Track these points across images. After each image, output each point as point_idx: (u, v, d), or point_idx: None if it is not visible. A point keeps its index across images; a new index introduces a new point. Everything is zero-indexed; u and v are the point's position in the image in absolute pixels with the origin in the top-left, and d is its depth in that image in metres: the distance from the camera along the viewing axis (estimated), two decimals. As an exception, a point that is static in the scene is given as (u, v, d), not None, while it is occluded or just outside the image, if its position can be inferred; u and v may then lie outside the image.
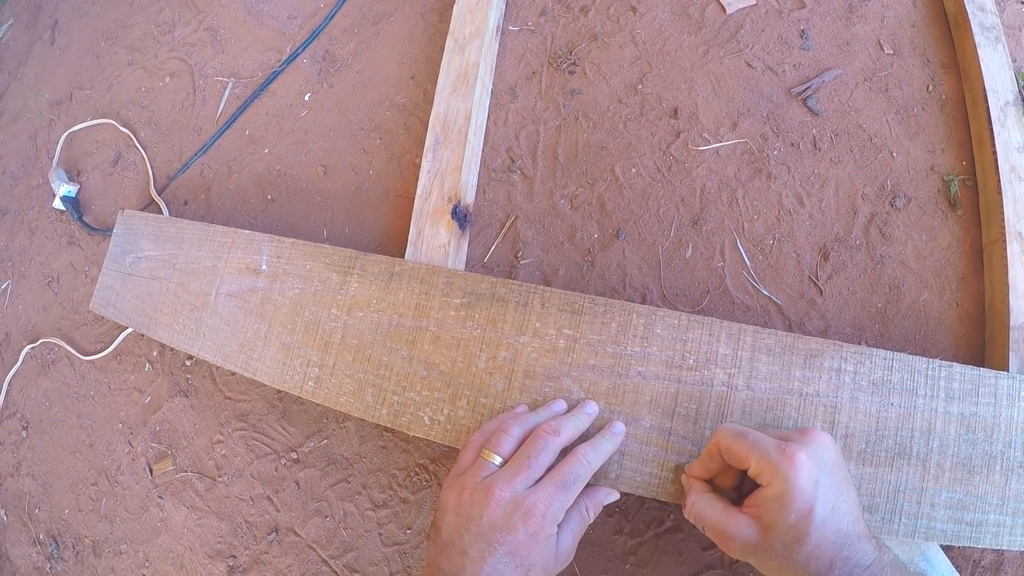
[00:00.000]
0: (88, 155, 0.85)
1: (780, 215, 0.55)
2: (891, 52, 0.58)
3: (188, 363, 0.69)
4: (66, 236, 0.83)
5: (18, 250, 0.86)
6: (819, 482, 0.33)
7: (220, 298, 0.59)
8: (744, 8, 0.62)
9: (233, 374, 0.65)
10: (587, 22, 0.66)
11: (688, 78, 0.61)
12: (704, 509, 0.37)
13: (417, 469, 0.56)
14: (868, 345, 0.48)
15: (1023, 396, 0.41)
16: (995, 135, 0.51)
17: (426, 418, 0.48)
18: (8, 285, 0.85)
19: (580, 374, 0.46)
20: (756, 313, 0.53)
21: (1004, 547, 0.40)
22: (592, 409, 0.44)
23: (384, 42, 0.74)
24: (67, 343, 0.76)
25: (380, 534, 0.56)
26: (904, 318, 0.51)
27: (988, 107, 0.51)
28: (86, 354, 0.74)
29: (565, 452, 0.40)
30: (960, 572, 0.44)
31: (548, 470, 0.39)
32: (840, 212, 0.54)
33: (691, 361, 0.44)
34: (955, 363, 0.42)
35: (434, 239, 0.56)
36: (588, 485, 0.40)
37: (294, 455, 0.61)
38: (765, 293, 0.53)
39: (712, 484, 0.39)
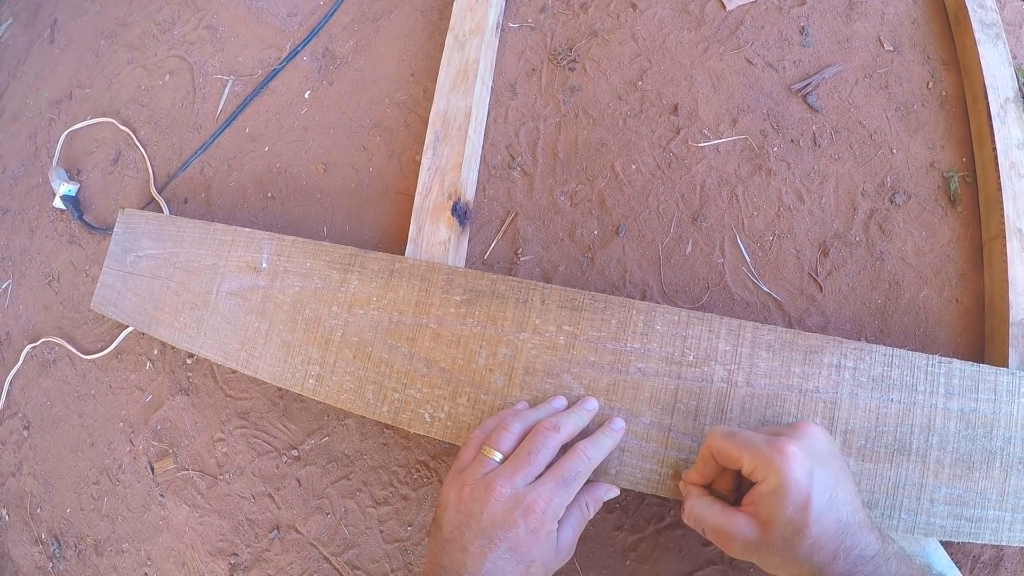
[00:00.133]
0: (88, 154, 0.85)
1: (780, 211, 0.55)
2: (891, 49, 0.58)
3: (189, 361, 0.69)
4: (66, 235, 0.83)
5: (18, 249, 0.86)
6: (813, 473, 0.33)
7: (221, 296, 0.59)
8: (744, 5, 0.62)
9: (234, 372, 0.65)
10: (587, 19, 0.66)
11: (688, 75, 0.61)
12: (702, 511, 0.37)
13: (418, 466, 0.57)
14: (868, 341, 0.48)
15: (1023, 392, 0.41)
16: (995, 132, 0.51)
17: (427, 415, 0.48)
18: (9, 284, 0.85)
19: (580, 370, 0.46)
20: (756, 309, 0.53)
21: (1004, 543, 0.40)
22: (592, 405, 0.44)
23: (384, 39, 0.73)
24: (68, 342, 0.76)
25: (381, 531, 0.56)
26: (904, 314, 0.51)
27: (988, 104, 0.51)
28: (87, 353, 0.74)
29: (565, 449, 0.40)
30: (960, 568, 0.44)
31: (548, 466, 0.39)
32: (840, 208, 0.54)
33: (691, 357, 0.44)
34: (955, 359, 0.42)
35: (434, 236, 0.56)
36: (588, 481, 0.40)
37: (295, 453, 0.61)
38: (765, 289, 0.53)
39: (710, 489, 0.39)
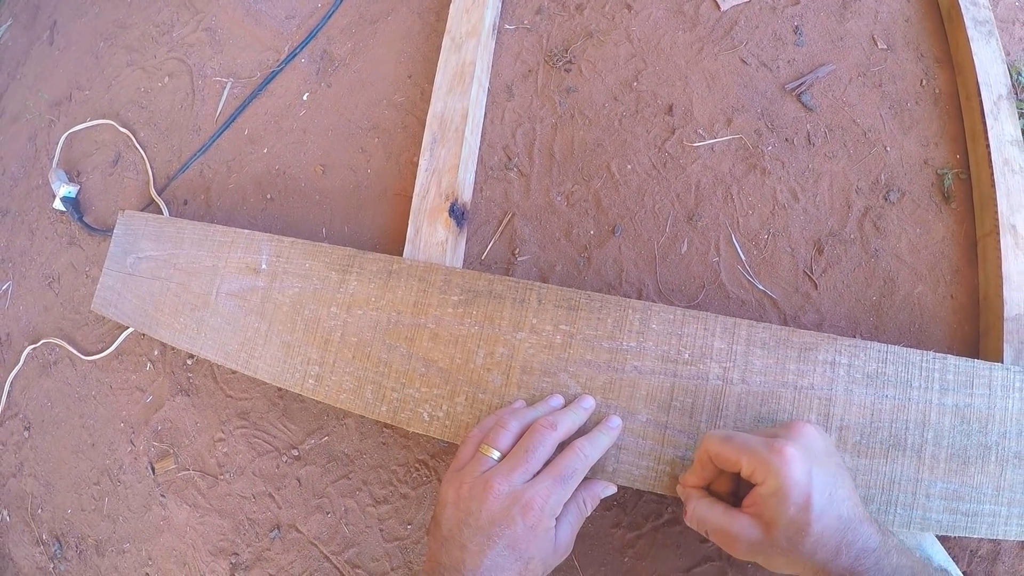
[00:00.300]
0: (88, 156, 0.86)
1: (775, 210, 0.55)
2: (885, 47, 0.59)
3: (189, 362, 0.69)
4: (66, 237, 0.83)
5: (19, 251, 0.87)
6: (812, 472, 0.33)
7: (220, 297, 0.59)
8: (738, 5, 0.62)
9: (234, 372, 0.66)
10: (582, 20, 0.66)
11: (683, 75, 0.61)
12: (705, 513, 0.37)
13: (417, 465, 0.57)
14: (863, 338, 0.48)
15: (1017, 387, 0.42)
16: (988, 128, 0.51)
17: (425, 414, 0.49)
18: (9, 286, 0.86)
19: (577, 369, 0.46)
20: (751, 307, 0.53)
21: (1000, 537, 0.40)
22: (589, 404, 0.44)
23: (381, 41, 0.74)
24: (68, 343, 0.76)
25: (381, 530, 0.56)
26: (898, 311, 0.51)
27: (981, 101, 0.52)
28: (87, 354, 0.75)
29: (562, 447, 0.41)
30: (957, 562, 0.44)
31: (546, 464, 0.39)
32: (834, 206, 0.54)
33: (687, 355, 0.45)
34: (950, 355, 0.42)
35: (432, 237, 0.56)
36: (585, 479, 0.41)
37: (295, 452, 0.61)
38: (760, 287, 0.53)
39: (708, 491, 0.39)
